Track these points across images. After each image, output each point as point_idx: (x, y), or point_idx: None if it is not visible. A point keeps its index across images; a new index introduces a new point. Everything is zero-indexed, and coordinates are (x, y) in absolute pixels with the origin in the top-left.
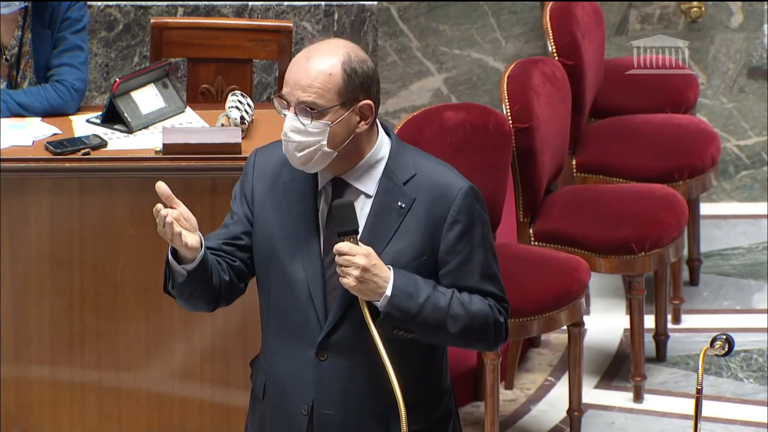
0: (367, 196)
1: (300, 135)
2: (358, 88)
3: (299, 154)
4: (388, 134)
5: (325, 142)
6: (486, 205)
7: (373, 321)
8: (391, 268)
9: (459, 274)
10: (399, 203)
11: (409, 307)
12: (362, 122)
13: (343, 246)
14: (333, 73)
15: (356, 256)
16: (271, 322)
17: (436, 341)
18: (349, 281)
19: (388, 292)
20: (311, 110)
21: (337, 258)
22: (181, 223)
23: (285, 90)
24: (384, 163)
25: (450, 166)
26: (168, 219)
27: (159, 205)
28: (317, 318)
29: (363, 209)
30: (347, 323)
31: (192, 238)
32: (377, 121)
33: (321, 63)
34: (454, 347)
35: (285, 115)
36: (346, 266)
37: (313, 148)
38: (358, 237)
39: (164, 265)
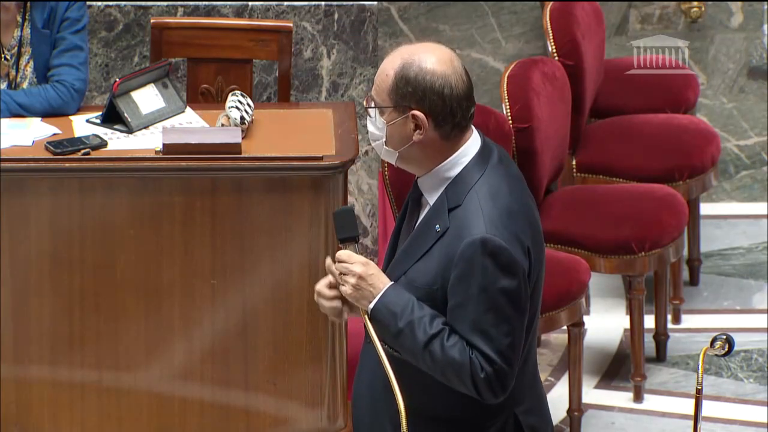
0: (430, 206)
1: (371, 125)
2: (409, 96)
3: (373, 144)
4: (481, 155)
5: (385, 140)
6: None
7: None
8: (390, 283)
9: (453, 315)
10: (437, 227)
11: (387, 325)
12: (417, 131)
13: (342, 254)
14: (389, 75)
15: (354, 264)
16: None
17: (424, 369)
18: (346, 289)
19: (372, 304)
20: (373, 104)
21: (336, 265)
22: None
23: None
24: (449, 182)
25: (501, 211)
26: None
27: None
28: None
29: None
30: None
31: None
32: (482, 138)
33: (388, 62)
34: None
35: None
36: (345, 274)
37: (378, 142)
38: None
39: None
